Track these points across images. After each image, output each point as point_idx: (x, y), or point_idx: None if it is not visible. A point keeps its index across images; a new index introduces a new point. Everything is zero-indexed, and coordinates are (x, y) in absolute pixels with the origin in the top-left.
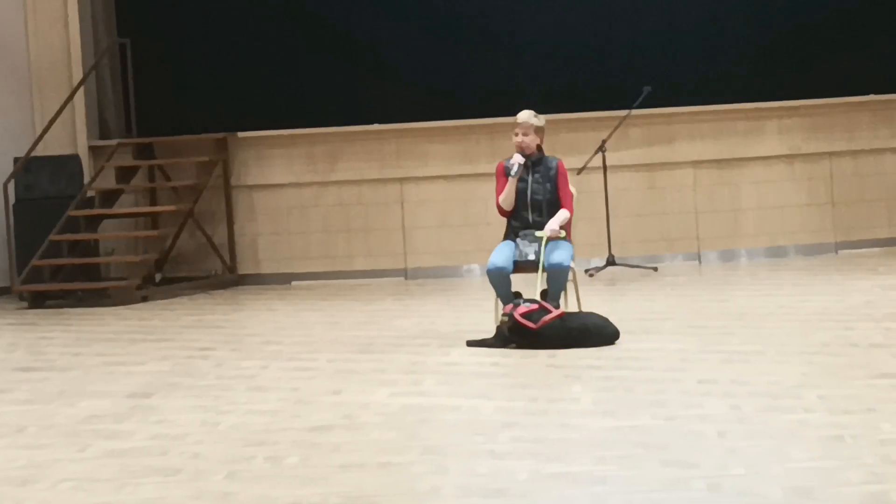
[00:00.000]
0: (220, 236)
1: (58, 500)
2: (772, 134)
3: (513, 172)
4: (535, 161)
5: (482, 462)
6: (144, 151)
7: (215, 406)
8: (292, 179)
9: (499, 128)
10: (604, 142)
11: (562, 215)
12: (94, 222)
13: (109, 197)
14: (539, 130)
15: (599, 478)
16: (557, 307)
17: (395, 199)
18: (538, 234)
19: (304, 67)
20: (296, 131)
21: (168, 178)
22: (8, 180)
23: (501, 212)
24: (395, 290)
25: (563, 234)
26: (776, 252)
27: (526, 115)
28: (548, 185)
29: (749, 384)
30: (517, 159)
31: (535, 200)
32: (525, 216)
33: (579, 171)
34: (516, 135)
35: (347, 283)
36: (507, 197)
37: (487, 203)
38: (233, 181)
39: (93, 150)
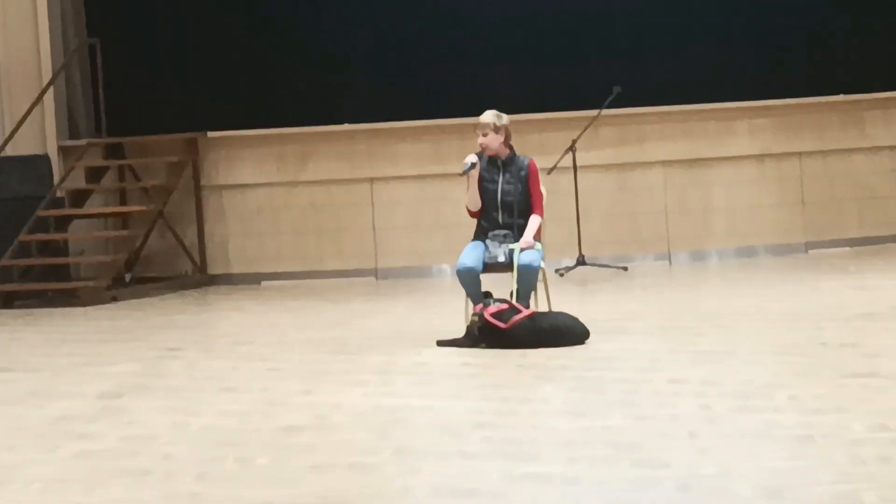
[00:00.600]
0: (190, 236)
1: (28, 501)
2: (742, 134)
3: (462, 170)
4: (507, 161)
5: (453, 462)
6: (114, 151)
7: (186, 407)
8: (263, 179)
9: (469, 128)
10: (574, 142)
11: (534, 224)
12: (63, 223)
13: (79, 197)
14: (500, 129)
15: (571, 478)
16: (528, 307)
17: (365, 199)
18: (512, 246)
19: (274, 67)
20: (266, 131)
21: (138, 179)
22: None
23: (470, 213)
24: (366, 291)
25: (538, 245)
26: (746, 252)
27: (486, 116)
28: (519, 186)
29: (720, 384)
30: (470, 158)
31: (505, 201)
32: (495, 217)
33: (549, 171)
34: (478, 134)
35: (318, 284)
36: (471, 197)
37: (458, 203)
38: (203, 181)
39: (62, 150)
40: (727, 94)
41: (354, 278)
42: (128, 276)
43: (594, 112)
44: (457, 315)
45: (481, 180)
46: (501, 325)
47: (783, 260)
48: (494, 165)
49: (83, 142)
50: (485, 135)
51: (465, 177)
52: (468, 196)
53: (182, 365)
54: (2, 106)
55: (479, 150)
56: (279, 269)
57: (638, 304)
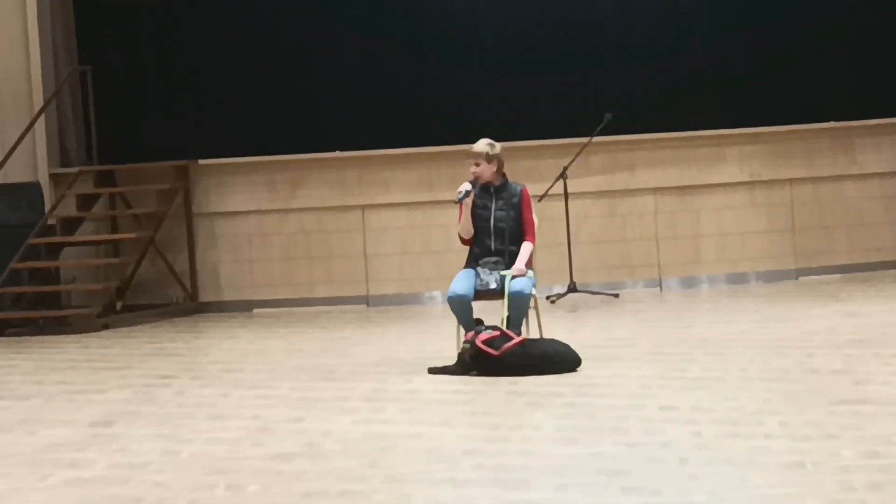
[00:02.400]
0: (181, 264)
1: None
2: (732, 161)
3: (457, 198)
4: (498, 188)
5: (444, 490)
6: (105, 179)
7: (176, 434)
8: (253, 207)
9: (460, 155)
10: (565, 169)
11: (526, 251)
12: (55, 250)
13: (70, 225)
14: (493, 158)
15: None
16: (519, 334)
17: (356, 226)
18: (503, 273)
19: (264, 95)
20: (257, 159)
21: (129, 206)
22: None
23: (462, 240)
24: (357, 318)
25: (530, 273)
26: (737, 279)
27: (480, 145)
28: (511, 213)
29: (710, 411)
30: (464, 187)
31: (497, 228)
32: (487, 244)
33: (540, 198)
34: (471, 164)
35: (309, 311)
36: (464, 225)
37: (449, 230)
38: (194, 208)
39: (53, 177)
40: (717, 121)
41: (345, 305)
42: (119, 304)
43: (585, 139)
44: (448, 342)
45: (474, 207)
46: (493, 352)
47: (773, 286)
48: (487, 192)
49: (74, 169)
50: (477, 164)
51: (459, 204)
52: (461, 224)
53: (173, 392)
54: None
55: (471, 178)
56: (270, 297)
57: (629, 330)
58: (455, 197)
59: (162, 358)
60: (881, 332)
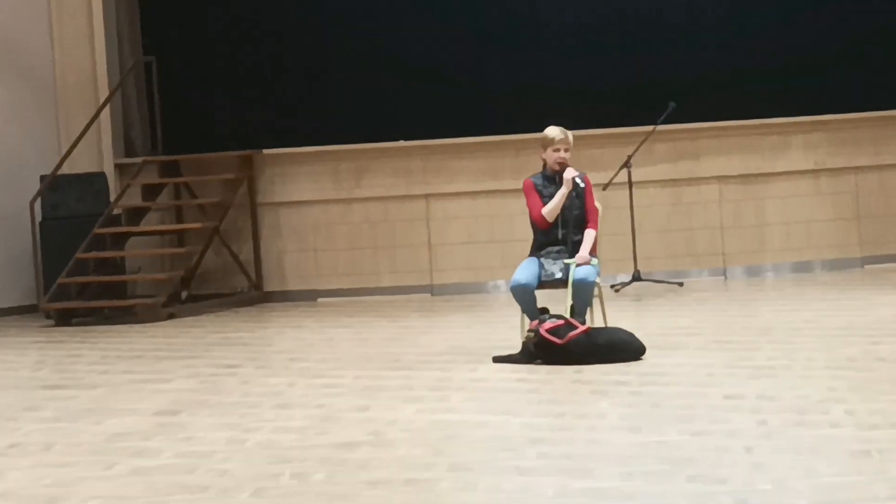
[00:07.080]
0: (245, 253)
1: None
2: (797, 149)
3: (580, 187)
4: (562, 176)
5: (509, 478)
6: (170, 169)
7: (242, 423)
8: (318, 196)
9: (525, 144)
10: (629, 157)
11: (589, 238)
12: (120, 240)
13: (135, 214)
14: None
15: (626, 493)
16: (583, 322)
17: (420, 215)
18: (567, 261)
19: (329, 84)
20: (321, 148)
21: (194, 196)
22: (34, 199)
23: (542, 223)
24: (422, 307)
25: (594, 261)
26: (802, 267)
27: (559, 132)
28: (576, 201)
29: (776, 399)
30: (574, 173)
31: (563, 216)
32: (554, 231)
33: (605, 186)
34: (557, 150)
35: (373, 300)
36: (556, 209)
37: (514, 219)
38: (258, 198)
39: (119, 167)
40: (782, 109)
41: (410, 294)
42: (184, 294)
43: (649, 128)
44: (512, 331)
45: (541, 196)
46: (557, 340)
47: (839, 275)
48: (552, 181)
49: (139, 159)
50: (566, 150)
51: (571, 191)
52: (552, 207)
53: (238, 381)
54: (59, 124)
55: (542, 166)
56: (335, 286)
57: (693, 319)
58: (578, 185)
59: (227, 347)
60: None
